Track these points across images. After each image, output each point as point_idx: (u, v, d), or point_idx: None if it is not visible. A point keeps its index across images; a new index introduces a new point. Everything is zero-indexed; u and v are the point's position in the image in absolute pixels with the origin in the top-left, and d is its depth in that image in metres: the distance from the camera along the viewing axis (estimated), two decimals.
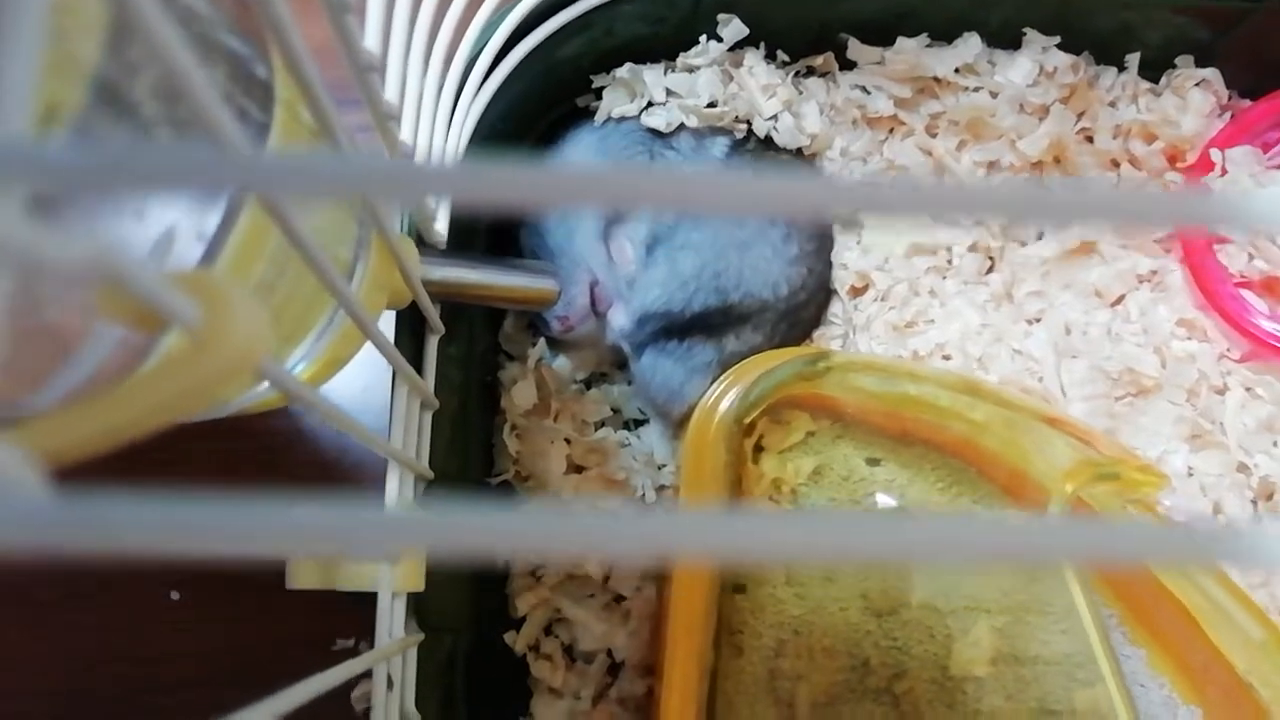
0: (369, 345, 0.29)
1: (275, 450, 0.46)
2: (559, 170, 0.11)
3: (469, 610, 0.41)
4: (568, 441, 0.43)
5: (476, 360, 0.43)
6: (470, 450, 0.42)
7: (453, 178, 0.11)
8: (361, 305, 0.22)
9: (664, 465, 0.44)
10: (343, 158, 0.10)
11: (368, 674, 0.38)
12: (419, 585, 0.31)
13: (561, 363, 0.45)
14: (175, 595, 0.47)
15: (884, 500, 0.39)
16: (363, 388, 0.44)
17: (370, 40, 0.25)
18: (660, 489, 0.43)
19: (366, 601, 0.33)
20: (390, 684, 0.31)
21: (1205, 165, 0.43)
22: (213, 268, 0.17)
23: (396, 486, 0.31)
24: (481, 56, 0.37)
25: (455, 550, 0.09)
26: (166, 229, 0.15)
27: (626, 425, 0.45)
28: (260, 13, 0.16)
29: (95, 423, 0.13)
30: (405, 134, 0.31)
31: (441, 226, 0.34)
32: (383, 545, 0.09)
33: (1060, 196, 0.11)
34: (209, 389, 0.13)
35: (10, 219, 0.08)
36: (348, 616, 0.42)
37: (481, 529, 0.09)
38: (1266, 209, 0.11)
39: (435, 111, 0.34)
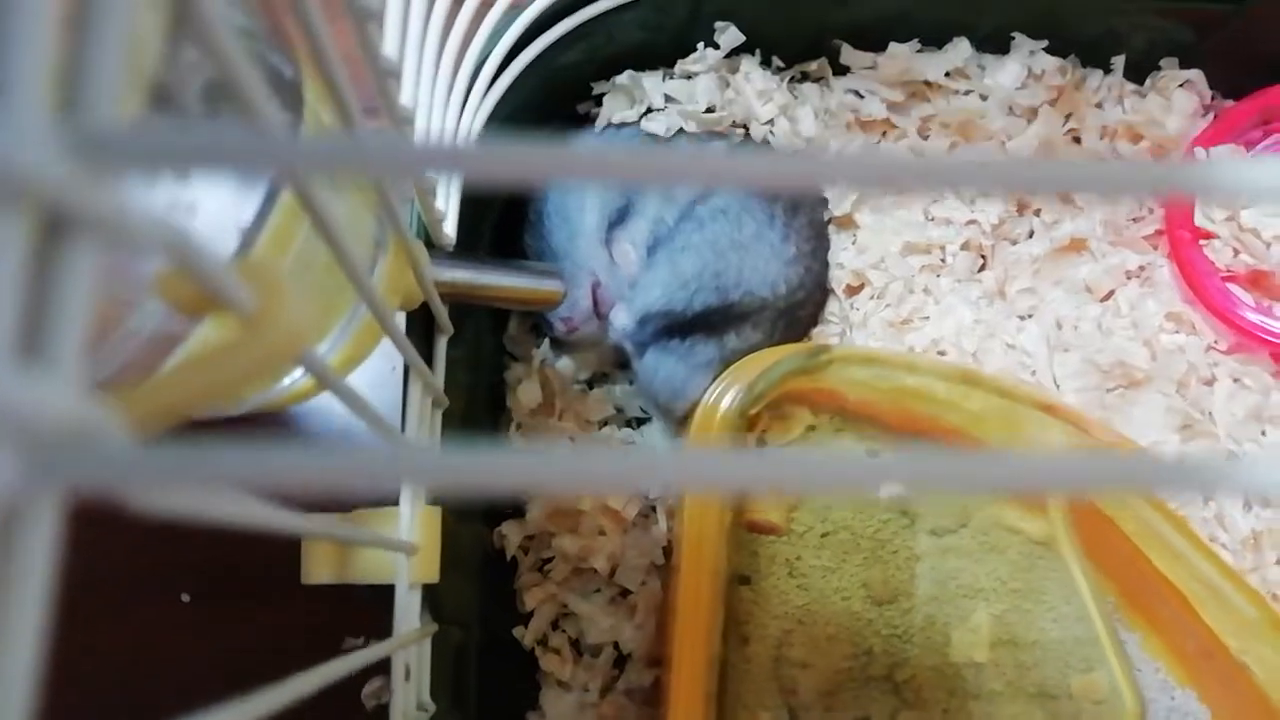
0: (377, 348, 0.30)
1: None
2: (563, 150, 0.11)
3: (478, 605, 0.41)
4: (572, 440, 0.44)
5: (482, 362, 0.44)
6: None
7: (470, 156, 0.12)
8: (382, 298, 0.23)
9: None
10: (373, 138, 0.11)
11: (378, 670, 0.39)
12: (434, 576, 0.32)
13: (565, 363, 0.46)
14: (186, 598, 0.48)
15: (889, 488, 0.40)
16: (367, 385, 0.45)
17: (388, 48, 0.25)
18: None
19: (377, 599, 0.33)
20: (407, 674, 0.31)
21: None
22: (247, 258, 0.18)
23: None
24: (486, 65, 0.38)
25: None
26: (214, 222, 0.16)
27: (629, 424, 0.46)
28: (296, 21, 0.16)
29: (147, 404, 0.14)
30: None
31: (450, 228, 0.35)
32: None
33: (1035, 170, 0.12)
34: (260, 371, 0.14)
35: (109, 196, 0.09)
36: (358, 614, 0.43)
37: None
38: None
39: (444, 118, 0.35)
